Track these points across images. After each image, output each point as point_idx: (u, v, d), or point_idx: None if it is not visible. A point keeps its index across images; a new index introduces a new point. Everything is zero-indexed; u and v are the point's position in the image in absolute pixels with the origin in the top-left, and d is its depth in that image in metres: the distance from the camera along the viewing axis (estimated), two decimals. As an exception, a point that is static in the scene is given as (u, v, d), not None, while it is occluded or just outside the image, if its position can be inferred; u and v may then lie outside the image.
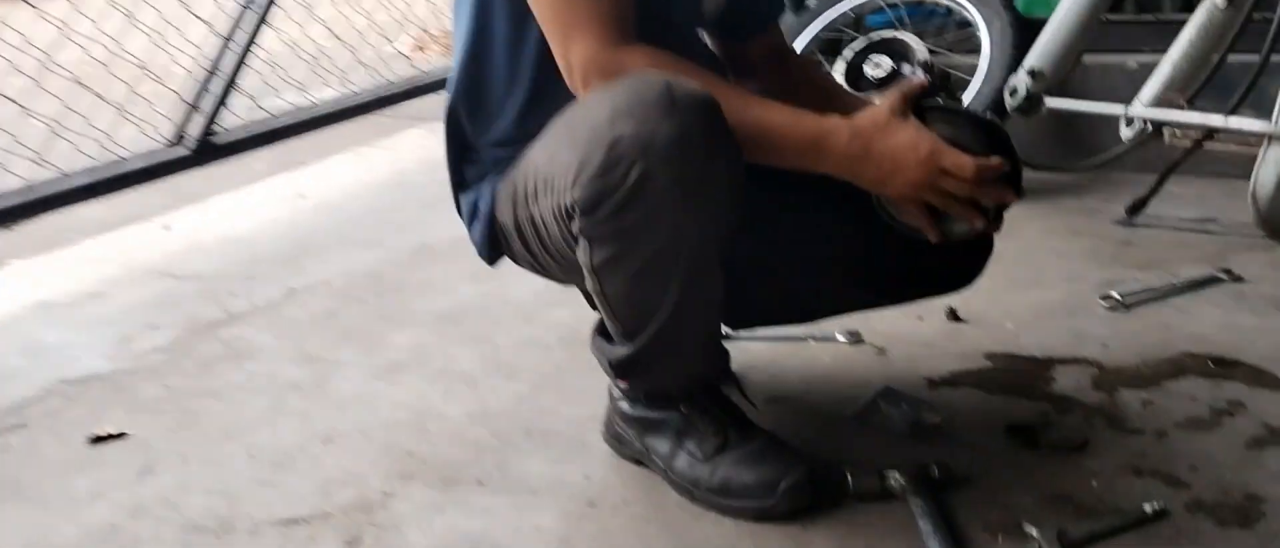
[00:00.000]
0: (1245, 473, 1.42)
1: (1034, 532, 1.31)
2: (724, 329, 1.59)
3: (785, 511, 1.37)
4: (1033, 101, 1.38)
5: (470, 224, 1.54)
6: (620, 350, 1.40)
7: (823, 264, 1.57)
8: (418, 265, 2.42)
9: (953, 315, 1.97)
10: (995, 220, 1.34)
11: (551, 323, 2.02)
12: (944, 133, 1.27)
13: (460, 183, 1.54)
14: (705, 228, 1.25)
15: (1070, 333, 1.86)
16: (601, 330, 1.49)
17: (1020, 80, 1.39)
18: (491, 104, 1.47)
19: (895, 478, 1.42)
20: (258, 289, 2.32)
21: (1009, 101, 1.43)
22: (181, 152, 2.68)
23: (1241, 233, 2.04)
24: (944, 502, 1.38)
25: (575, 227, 1.27)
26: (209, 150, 2.70)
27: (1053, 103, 1.38)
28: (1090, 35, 2.21)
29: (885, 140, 1.26)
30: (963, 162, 1.24)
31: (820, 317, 1.76)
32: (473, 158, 1.52)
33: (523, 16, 1.36)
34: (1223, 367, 1.69)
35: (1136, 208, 2.34)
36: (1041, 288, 2.07)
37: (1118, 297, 1.97)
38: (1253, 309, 1.88)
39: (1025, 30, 2.59)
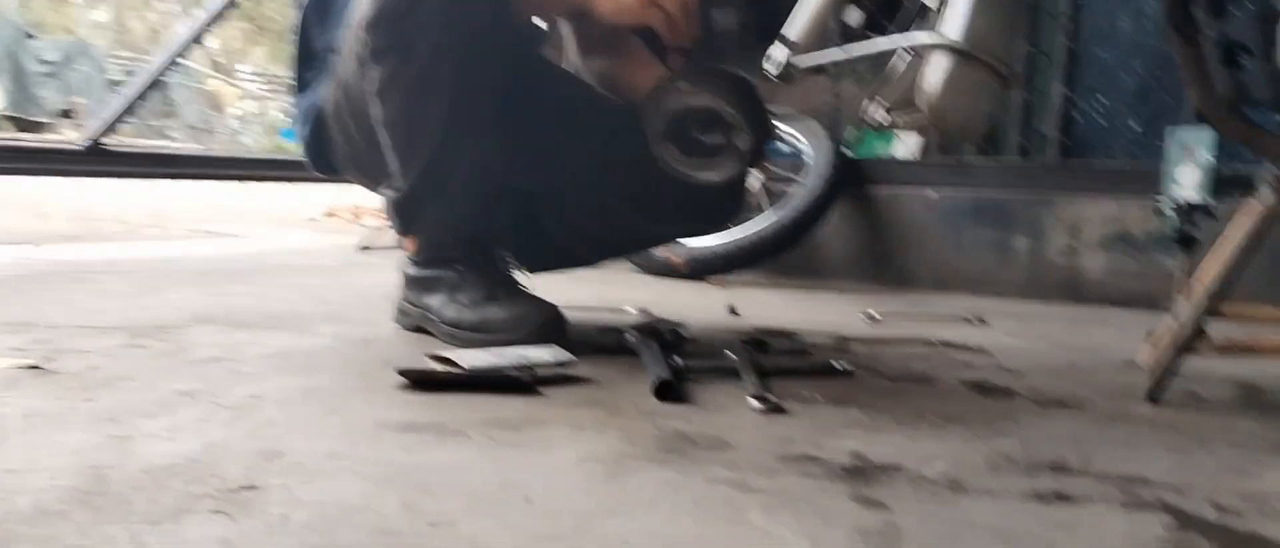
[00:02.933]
0: (913, 366, 1.68)
1: (732, 356, 1.54)
2: (524, 274, 1.84)
3: (533, 341, 1.58)
4: (788, 66, 1.73)
5: (303, 126, 1.81)
6: (401, 188, 1.63)
7: (607, 198, 1.86)
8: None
9: (732, 311, 2.24)
10: (748, 161, 1.61)
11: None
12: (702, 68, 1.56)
13: (299, 86, 1.83)
14: (469, 41, 1.53)
15: (830, 327, 2.13)
16: (396, 209, 1.71)
17: (777, 50, 1.73)
18: (335, 10, 1.78)
19: (631, 335, 1.64)
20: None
21: (767, 67, 1.77)
22: (75, 147, 2.94)
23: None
24: (671, 348, 1.60)
25: (364, 51, 1.54)
26: (100, 155, 2.95)
27: (801, 63, 1.72)
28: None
29: None
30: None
31: (603, 257, 2.01)
32: (312, 63, 1.82)
33: None
34: (945, 345, 1.97)
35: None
36: (819, 313, 2.35)
37: (876, 315, 2.27)
38: (987, 332, 2.18)
39: (843, 159, 3.07)
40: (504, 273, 1.73)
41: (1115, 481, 1.08)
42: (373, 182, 1.78)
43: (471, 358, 1.39)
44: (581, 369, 1.48)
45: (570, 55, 2.00)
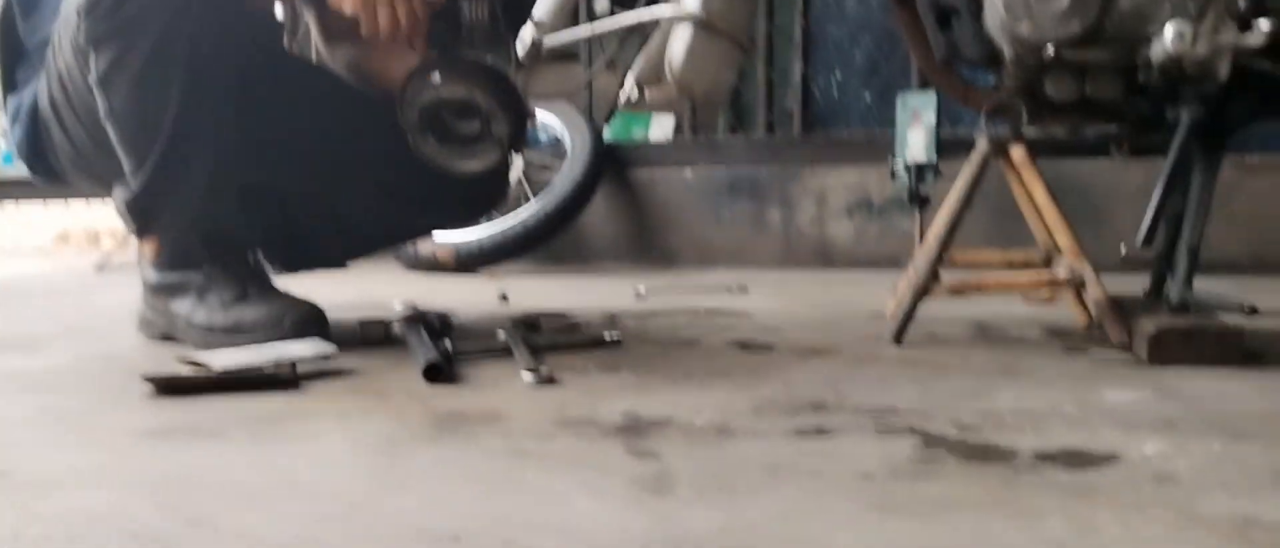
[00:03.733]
0: (680, 332, 1.73)
1: (502, 335, 1.53)
2: (277, 272, 1.76)
3: (291, 338, 1.51)
4: (536, 46, 1.73)
5: (14, 125, 1.66)
6: (134, 185, 1.52)
7: (363, 191, 1.80)
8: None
9: (503, 298, 2.23)
10: (508, 149, 1.58)
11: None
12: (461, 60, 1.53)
13: (10, 85, 1.67)
14: (199, 25, 1.44)
15: (599, 306, 2.16)
16: (130, 209, 1.59)
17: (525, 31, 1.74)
18: (42, 2, 1.64)
19: (397, 325, 1.60)
20: None
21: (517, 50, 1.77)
22: None
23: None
24: (440, 335, 1.57)
25: (82, 37, 1.43)
26: None
27: (550, 42, 1.74)
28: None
29: None
30: None
31: (363, 253, 1.96)
32: (24, 60, 1.67)
33: None
34: (709, 313, 2.04)
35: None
36: (588, 294, 2.38)
37: (641, 290, 2.32)
38: (747, 299, 2.28)
39: (602, 143, 3.13)
40: (255, 270, 1.65)
41: (868, 412, 1.15)
42: (101, 182, 1.65)
43: (223, 358, 1.32)
44: (345, 362, 1.44)
45: (316, 46, 1.93)
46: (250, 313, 1.54)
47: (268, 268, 1.81)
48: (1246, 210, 2.69)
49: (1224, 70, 1.47)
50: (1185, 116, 1.51)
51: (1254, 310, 1.87)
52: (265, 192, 1.82)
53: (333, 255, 1.94)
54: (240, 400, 1.23)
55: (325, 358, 1.39)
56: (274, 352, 1.37)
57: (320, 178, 1.79)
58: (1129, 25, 1.49)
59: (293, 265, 1.89)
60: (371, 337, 1.61)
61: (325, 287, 1.95)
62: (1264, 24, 1.43)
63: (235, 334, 1.53)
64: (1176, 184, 1.57)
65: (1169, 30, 1.43)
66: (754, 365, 1.45)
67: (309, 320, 1.54)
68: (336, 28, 1.82)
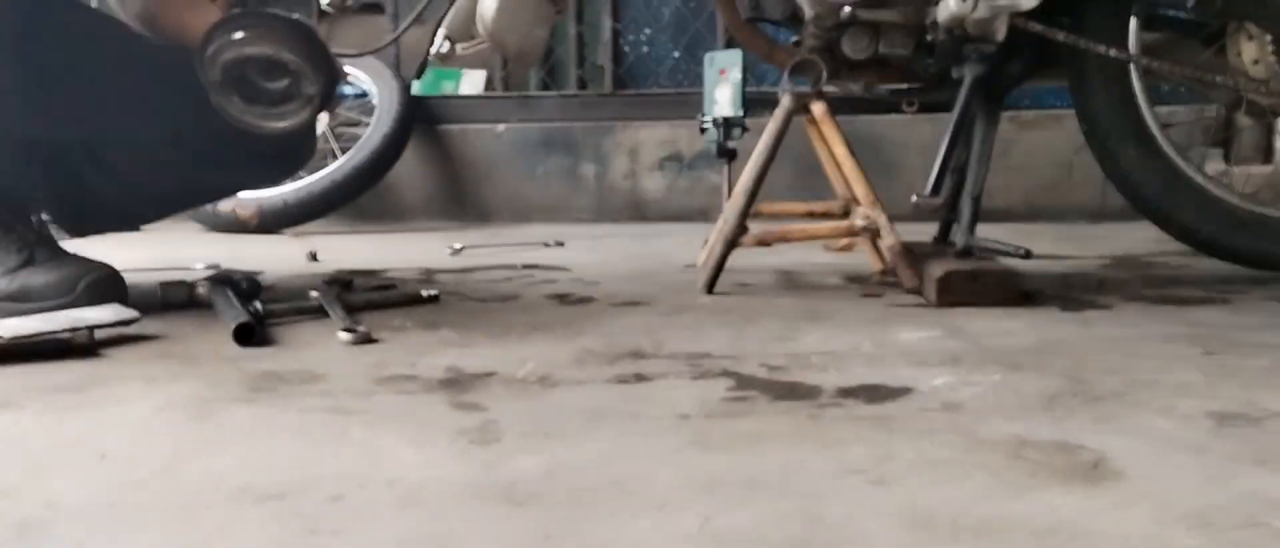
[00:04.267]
0: (499, 288, 1.74)
1: (316, 294, 1.50)
2: (65, 235, 1.66)
3: (87, 304, 1.43)
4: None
5: None
6: None
7: (159, 148, 1.70)
8: None
9: (313, 258, 2.17)
10: (317, 106, 1.52)
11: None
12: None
13: None
14: None
15: (415, 264, 2.13)
16: None
17: None
18: None
19: (202, 287, 1.54)
20: None
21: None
22: None
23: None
24: (249, 297, 1.52)
25: None
26: None
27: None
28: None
29: None
30: None
31: (160, 214, 1.87)
32: None
33: None
34: (527, 268, 2.05)
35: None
36: (403, 251, 2.35)
37: (457, 247, 2.31)
38: (565, 253, 2.30)
39: (411, 98, 3.07)
40: (42, 233, 1.54)
41: (684, 358, 1.20)
42: None
43: (12, 326, 1.24)
44: (149, 327, 1.38)
45: (108, -3, 1.82)
46: (39, 278, 1.45)
47: (57, 229, 1.70)
48: (1022, 162, 2.91)
49: (1001, 31, 1.58)
50: (968, 74, 1.63)
51: (1029, 254, 2.03)
52: (48, 148, 1.71)
53: (126, 216, 1.84)
54: (34, 370, 1.16)
55: (126, 323, 1.33)
56: (70, 318, 1.29)
57: (111, 133, 1.69)
58: (918, -13, 1.58)
59: (82, 227, 1.79)
60: (174, 300, 1.54)
61: (120, 249, 1.85)
62: (1036, -12, 1.55)
63: (22, 301, 1.43)
64: (960, 138, 1.68)
65: (953, -7, 1.53)
66: (573, 318, 1.48)
67: (104, 284, 1.46)
68: (128, -23, 1.72)
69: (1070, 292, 1.66)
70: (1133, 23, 1.68)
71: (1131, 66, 1.68)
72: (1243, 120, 2.62)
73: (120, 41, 1.70)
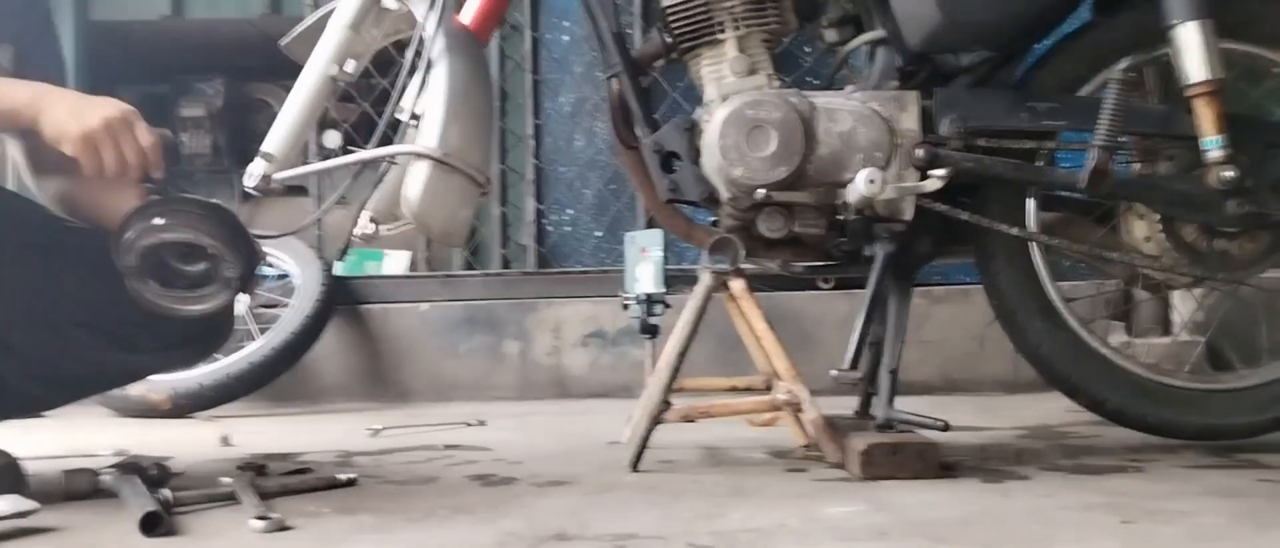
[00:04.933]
0: (418, 470, 1.71)
1: (228, 481, 1.45)
2: None
3: (-21, 495, 1.36)
4: (266, 180, 1.69)
5: None
6: None
7: (64, 329, 1.67)
8: None
9: (226, 442, 2.11)
10: (236, 289, 1.52)
11: None
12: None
13: None
14: None
15: (332, 446, 2.08)
16: None
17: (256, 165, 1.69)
18: None
19: (108, 475, 1.49)
20: None
21: (247, 183, 1.73)
22: None
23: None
24: (157, 484, 1.47)
25: None
26: None
27: (280, 176, 1.70)
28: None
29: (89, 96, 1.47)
30: (146, 128, 1.47)
31: (66, 399, 1.80)
32: None
33: None
34: (448, 448, 2.01)
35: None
36: (319, 434, 2.29)
37: (377, 428, 2.27)
38: (487, 432, 2.27)
39: (333, 279, 3.07)
40: (-61, 421, 1.48)
41: (609, 539, 1.18)
42: None
43: (-100, 521, 1.17)
44: (49, 518, 1.31)
45: (21, 175, 1.80)
46: (-69, 469, 1.38)
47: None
48: (936, 336, 2.99)
49: (909, 211, 1.66)
50: (879, 252, 1.69)
51: (947, 427, 2.05)
52: (-50, 331, 1.66)
53: (31, 401, 1.77)
54: (-82, 568, 1.09)
55: (23, 515, 1.26)
56: (-39, 511, 1.23)
57: (18, 315, 1.65)
58: (828, 170, 1.65)
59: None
60: (78, 489, 1.47)
61: (22, 435, 1.78)
62: (939, 172, 1.64)
63: (-89, 494, 1.36)
64: (875, 313, 1.73)
65: (861, 176, 1.60)
66: (496, 499, 1.45)
67: (2, 475, 1.39)
68: (48, 161, 1.71)
69: (989, 463, 1.69)
70: (1030, 203, 1.77)
71: (1032, 244, 1.76)
72: (1139, 294, 2.75)
73: (32, 224, 1.68)
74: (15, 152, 1.75)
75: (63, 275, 1.63)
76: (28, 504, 1.28)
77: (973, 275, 2.13)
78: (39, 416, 1.94)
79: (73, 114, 1.42)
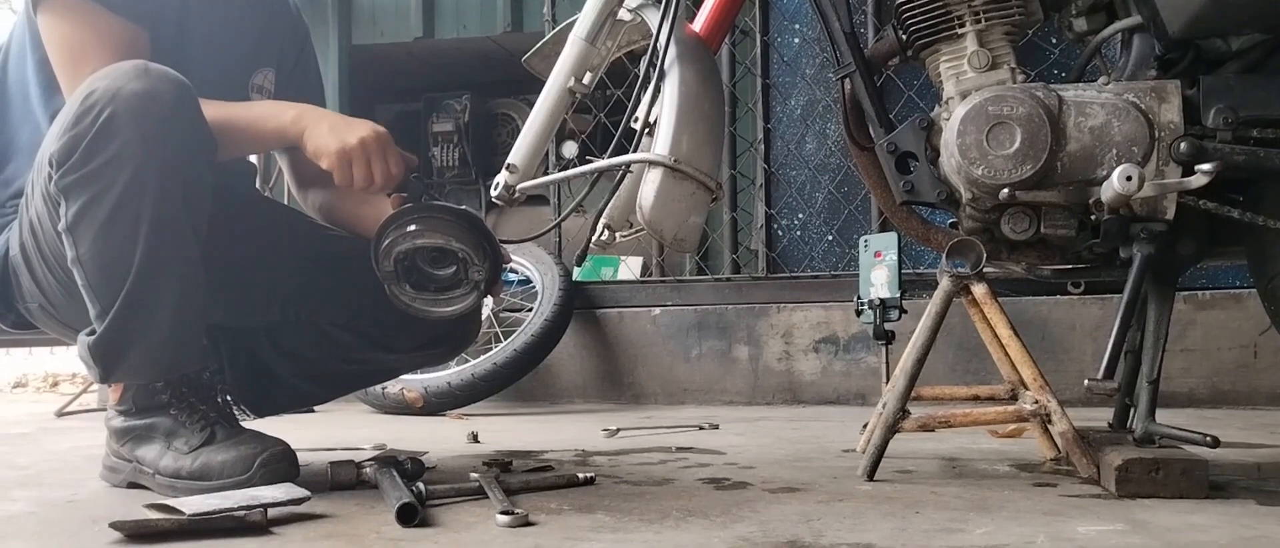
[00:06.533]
0: (653, 471, 1.73)
1: (476, 476, 1.53)
2: (245, 415, 1.77)
3: (262, 482, 1.49)
4: (510, 190, 1.77)
5: None
6: (99, 330, 1.50)
7: (331, 330, 1.82)
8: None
9: (474, 439, 2.22)
10: (483, 292, 1.60)
11: None
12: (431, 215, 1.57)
13: None
14: (166, 175, 1.44)
15: (571, 445, 2.15)
16: (95, 353, 1.57)
17: (501, 176, 1.78)
18: (7, 163, 1.68)
19: (369, 468, 1.59)
20: None
21: (493, 193, 1.82)
22: None
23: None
24: (412, 478, 1.56)
25: (53, 187, 1.45)
26: None
27: (523, 186, 1.78)
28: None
29: (347, 117, 1.59)
30: (401, 153, 1.58)
31: (332, 393, 1.96)
32: None
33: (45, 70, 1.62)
34: (682, 450, 2.04)
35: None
36: (559, 433, 2.37)
37: (612, 428, 2.32)
38: (719, 436, 2.28)
39: (571, 284, 3.18)
40: (223, 413, 1.63)
41: (845, 549, 1.16)
42: (70, 330, 1.64)
43: (194, 503, 1.30)
44: (317, 506, 1.42)
45: (289, 188, 1.97)
46: (218, 457, 1.52)
47: (239, 409, 1.80)
48: (1201, 344, 2.75)
49: (1170, 210, 1.53)
50: (1137, 254, 1.57)
51: (1216, 442, 1.90)
52: (234, 333, 1.83)
53: (302, 397, 1.93)
54: (210, 547, 1.21)
55: (297, 502, 1.37)
56: (246, 496, 1.35)
57: (290, 319, 1.80)
58: (1079, 168, 1.56)
59: (261, 408, 1.88)
60: (342, 480, 1.59)
61: (295, 428, 1.94)
62: (1205, 167, 1.50)
63: (203, 480, 1.51)
64: (1132, 320, 1.61)
65: (1116, 173, 1.49)
66: (728, 504, 1.45)
67: (279, 464, 1.52)
68: (310, 175, 1.86)
69: (1266, 484, 1.54)
70: (1315, 198, 1.60)
71: (1317, 244, 1.59)
72: None
73: (301, 233, 1.84)
74: (284, 167, 1.92)
75: (327, 281, 1.78)
76: (300, 492, 1.39)
77: (1244, 279, 1.95)
78: (310, 410, 2.11)
79: (334, 132, 1.54)
